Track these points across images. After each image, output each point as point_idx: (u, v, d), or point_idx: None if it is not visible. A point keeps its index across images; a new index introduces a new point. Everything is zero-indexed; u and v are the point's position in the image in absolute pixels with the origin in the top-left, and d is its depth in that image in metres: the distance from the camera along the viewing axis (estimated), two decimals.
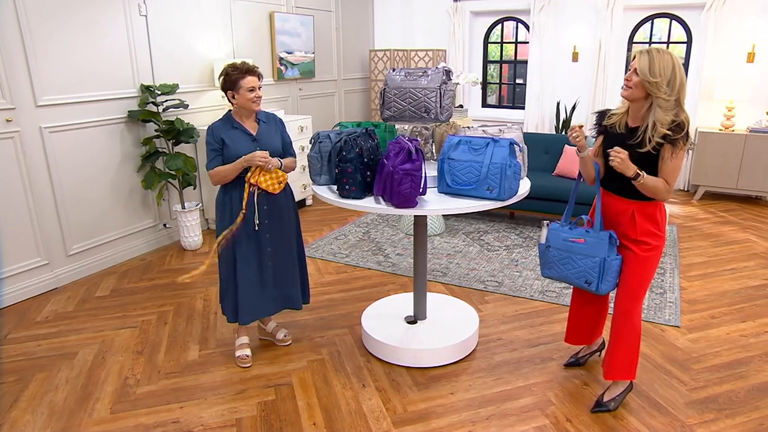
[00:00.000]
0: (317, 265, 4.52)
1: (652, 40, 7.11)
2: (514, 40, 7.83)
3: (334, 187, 2.84)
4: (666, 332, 3.45)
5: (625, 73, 2.40)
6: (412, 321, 3.30)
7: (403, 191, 2.44)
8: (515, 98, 8.03)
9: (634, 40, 7.15)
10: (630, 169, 2.31)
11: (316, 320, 3.62)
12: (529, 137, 5.73)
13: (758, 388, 2.91)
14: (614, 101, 7.20)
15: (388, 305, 3.53)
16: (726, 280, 4.29)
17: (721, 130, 6.47)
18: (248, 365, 3.10)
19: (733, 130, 6.42)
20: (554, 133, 7.30)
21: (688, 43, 6.89)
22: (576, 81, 7.24)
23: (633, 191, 2.44)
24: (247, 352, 3.14)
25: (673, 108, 2.31)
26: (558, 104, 7.14)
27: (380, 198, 2.62)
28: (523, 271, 4.30)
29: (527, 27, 7.48)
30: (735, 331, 3.50)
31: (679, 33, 6.95)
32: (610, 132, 2.54)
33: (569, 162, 5.27)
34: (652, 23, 7.06)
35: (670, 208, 6.30)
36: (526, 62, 7.50)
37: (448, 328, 3.22)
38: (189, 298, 3.94)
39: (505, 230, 5.29)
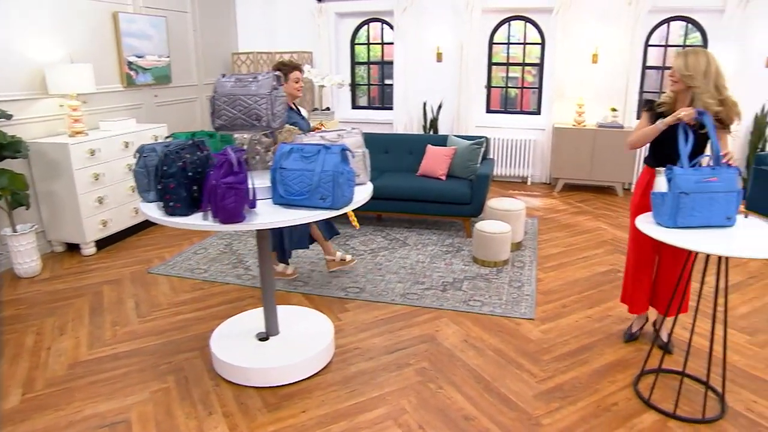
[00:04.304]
0: (172, 283, 4.22)
1: (510, 41, 7.42)
2: (380, 42, 7.87)
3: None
4: (521, 326, 3.55)
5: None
6: (263, 338, 3.14)
7: (227, 206, 2.28)
8: (384, 99, 8.07)
9: (494, 41, 7.43)
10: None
11: (164, 345, 3.35)
12: (392, 138, 5.76)
13: (598, 371, 3.06)
14: (477, 99, 7.46)
15: (242, 322, 3.35)
16: (578, 268, 4.52)
17: (574, 125, 6.88)
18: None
19: (584, 126, 6.85)
20: (422, 133, 7.41)
21: (542, 44, 7.27)
22: (441, 81, 7.41)
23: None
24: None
25: (714, 92, 2.80)
26: (424, 104, 7.26)
27: (208, 214, 2.44)
28: (386, 275, 4.27)
29: (392, 28, 7.54)
30: (582, 318, 3.67)
31: (534, 35, 7.30)
32: (664, 116, 2.93)
33: (432, 161, 5.34)
34: (509, 25, 7.37)
35: (532, 202, 6.61)
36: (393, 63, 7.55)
37: (301, 341, 3.10)
38: (18, 334, 3.50)
39: (371, 233, 5.26)
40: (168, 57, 6.18)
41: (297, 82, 3.80)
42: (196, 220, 2.44)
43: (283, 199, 2.52)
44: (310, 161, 2.46)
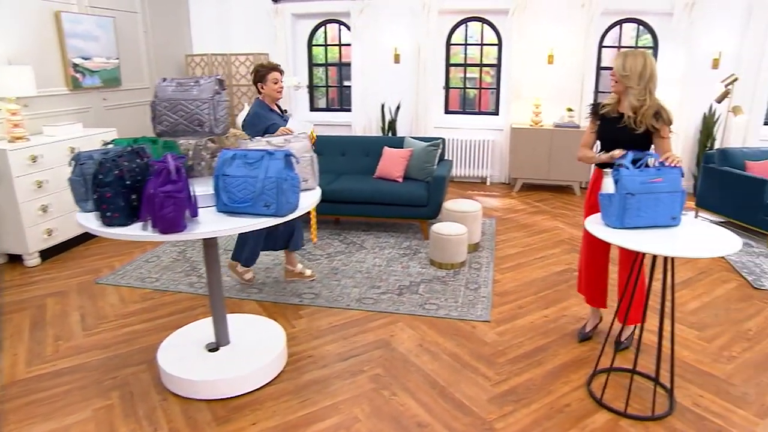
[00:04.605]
0: (121, 294, 4.07)
1: (468, 42, 7.46)
2: (338, 43, 7.81)
3: None
4: (477, 328, 3.54)
5: None
6: (213, 348, 3.05)
7: (166, 215, 2.19)
8: (343, 101, 8.01)
9: (452, 42, 7.46)
10: (679, 159, 2.73)
11: (110, 359, 3.23)
12: (348, 140, 5.71)
13: (552, 372, 3.07)
14: (435, 100, 7.47)
15: (192, 333, 3.25)
16: (535, 269, 4.55)
17: (531, 126, 6.95)
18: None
19: (541, 126, 6.93)
20: (381, 134, 7.38)
21: (499, 45, 7.32)
22: (399, 82, 7.39)
23: None
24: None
25: (642, 95, 2.88)
26: (383, 106, 7.23)
27: (147, 224, 2.34)
28: (342, 280, 4.22)
29: (350, 29, 7.48)
30: (538, 319, 3.69)
31: (491, 36, 7.35)
32: (606, 118, 3.07)
33: (388, 164, 5.31)
34: (467, 26, 7.40)
35: (491, 202, 6.64)
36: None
37: (252, 351, 3.02)
38: None
39: (328, 237, 5.19)
40: (117, 59, 5.99)
41: (276, 83, 3.77)
42: (135, 231, 2.35)
43: (226, 206, 2.45)
44: (254, 167, 2.39)
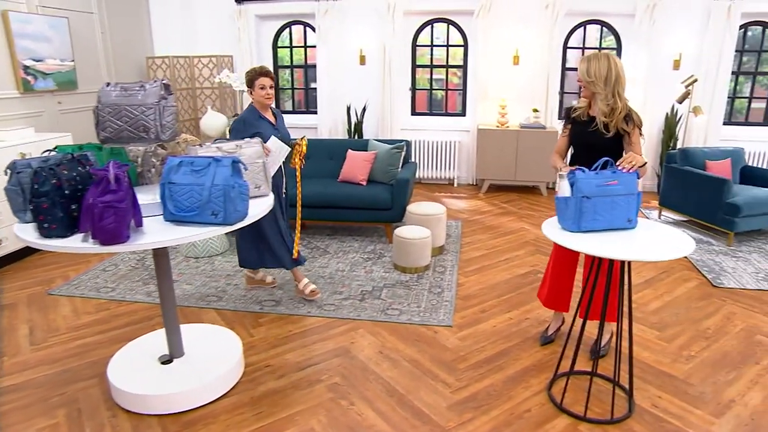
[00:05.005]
0: (74, 305, 3.93)
1: (434, 43, 7.44)
2: (303, 44, 7.72)
3: None
4: (438, 333, 3.51)
5: None
6: (167, 360, 2.95)
7: (106, 226, 2.10)
8: (309, 103, 7.92)
9: (418, 43, 7.43)
10: (640, 161, 2.68)
11: (58, 374, 3.10)
12: (312, 143, 5.60)
13: (513, 377, 3.04)
14: (402, 102, 7.44)
15: (145, 344, 3.14)
16: (499, 271, 4.53)
17: (497, 126, 6.96)
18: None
19: (507, 127, 6.94)
20: (347, 137, 7.32)
21: (465, 46, 7.32)
22: (365, 84, 7.33)
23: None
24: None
25: (610, 98, 2.86)
26: (348, 108, 7.16)
27: (88, 235, 2.25)
28: None
29: (315, 31, 7.40)
30: (501, 322, 3.67)
31: (457, 37, 7.35)
32: (576, 121, 3.08)
33: (352, 167, 5.25)
34: (432, 27, 7.38)
35: (458, 204, 6.63)
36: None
37: (207, 362, 2.93)
38: None
39: None
40: (72, 61, 5.81)
41: (263, 89, 3.61)
42: (74, 243, 2.25)
43: (173, 215, 2.36)
44: (201, 175, 2.31)
